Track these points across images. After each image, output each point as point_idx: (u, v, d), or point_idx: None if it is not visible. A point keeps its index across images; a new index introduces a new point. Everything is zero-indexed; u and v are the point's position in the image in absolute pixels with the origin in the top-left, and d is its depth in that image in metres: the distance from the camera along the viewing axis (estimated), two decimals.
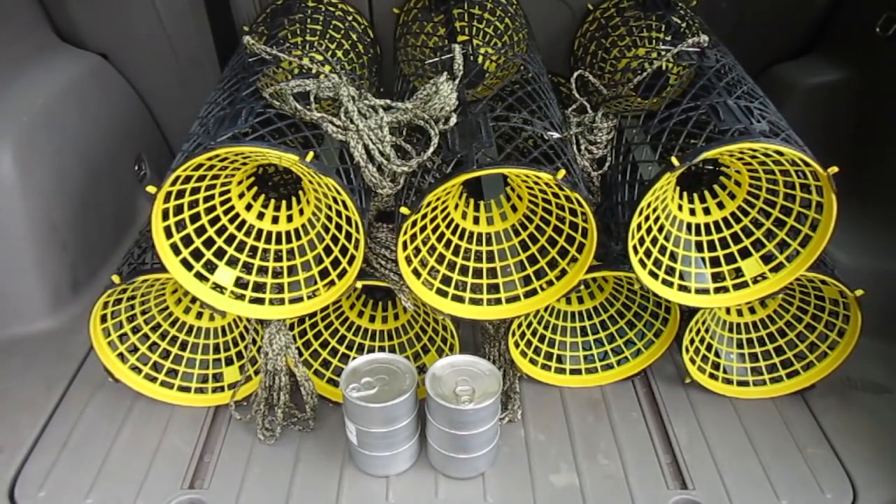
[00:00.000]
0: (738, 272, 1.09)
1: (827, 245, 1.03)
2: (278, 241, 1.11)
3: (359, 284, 1.06)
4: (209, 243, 1.06)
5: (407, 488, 1.05)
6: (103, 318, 1.12)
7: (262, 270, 1.09)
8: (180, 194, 0.99)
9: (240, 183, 1.09)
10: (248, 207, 1.11)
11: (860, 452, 1.09)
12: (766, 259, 1.09)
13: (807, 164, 0.96)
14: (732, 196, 1.12)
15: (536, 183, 1.01)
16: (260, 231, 1.10)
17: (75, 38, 1.57)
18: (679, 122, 1.01)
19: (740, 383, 1.20)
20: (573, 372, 1.23)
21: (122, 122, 1.58)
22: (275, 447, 1.11)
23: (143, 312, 1.18)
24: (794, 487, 1.04)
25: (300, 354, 1.16)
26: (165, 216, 0.98)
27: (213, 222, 1.07)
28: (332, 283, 1.06)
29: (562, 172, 0.93)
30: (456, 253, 1.12)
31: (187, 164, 0.92)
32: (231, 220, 1.09)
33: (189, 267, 1.03)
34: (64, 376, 1.23)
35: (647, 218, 1.04)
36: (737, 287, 1.09)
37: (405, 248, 1.02)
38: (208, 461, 1.10)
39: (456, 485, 1.05)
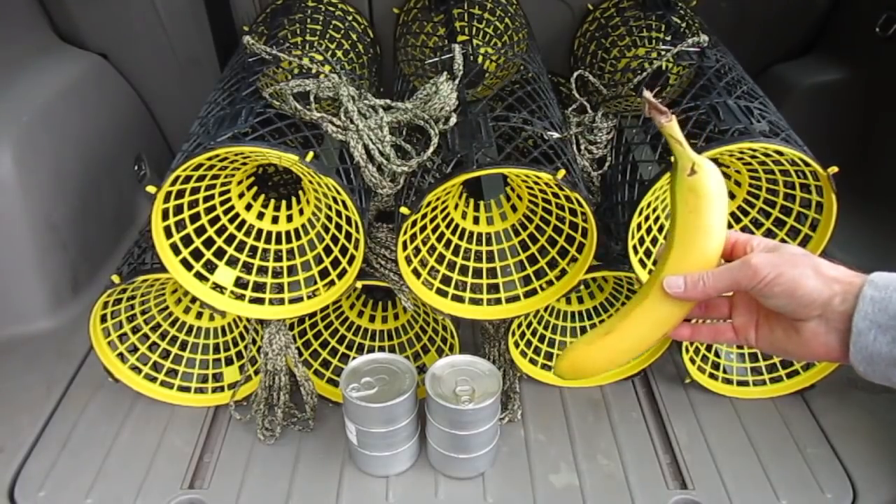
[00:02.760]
0: None
1: (827, 245, 1.03)
2: (278, 241, 1.11)
3: (359, 284, 1.06)
4: (209, 243, 1.06)
5: (407, 488, 1.05)
6: (103, 318, 1.12)
7: (262, 270, 1.09)
8: (180, 194, 0.99)
9: (240, 183, 1.09)
10: (248, 207, 1.11)
11: (860, 452, 1.09)
12: None
13: (807, 164, 0.96)
14: (732, 196, 1.11)
15: (536, 183, 1.01)
16: (260, 231, 1.10)
17: (75, 38, 1.57)
18: (679, 121, 1.01)
19: (740, 383, 1.20)
20: None
21: (122, 122, 1.58)
22: (275, 447, 1.11)
23: (143, 312, 1.18)
24: (794, 487, 1.04)
25: (300, 354, 1.16)
26: (165, 216, 0.98)
27: (212, 222, 1.07)
28: (332, 283, 1.06)
29: (562, 172, 0.93)
30: (456, 253, 1.12)
31: (187, 164, 0.92)
32: (231, 220, 1.09)
33: (189, 267, 1.03)
34: (64, 376, 1.23)
35: (647, 218, 1.04)
36: None
37: (405, 247, 1.02)
38: (208, 461, 1.10)
39: (456, 485, 1.05)
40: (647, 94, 0.62)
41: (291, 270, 1.10)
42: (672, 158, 0.65)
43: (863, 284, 0.55)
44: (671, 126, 0.63)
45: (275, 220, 1.12)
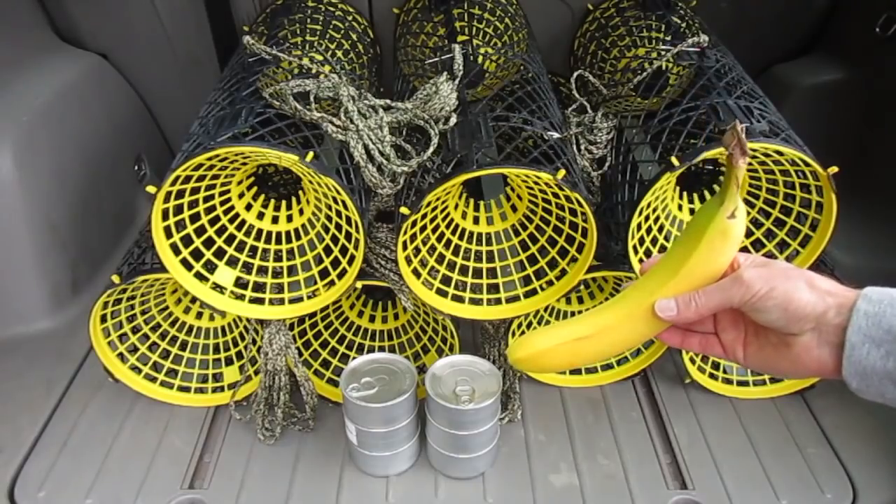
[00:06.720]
0: None
1: (827, 245, 1.03)
2: (278, 241, 1.11)
3: (359, 284, 1.06)
4: (209, 243, 1.06)
5: (407, 488, 1.05)
6: (103, 318, 1.12)
7: (262, 270, 1.09)
8: (180, 194, 0.99)
9: (240, 183, 1.09)
10: (248, 207, 1.11)
11: (860, 452, 1.09)
12: None
13: (807, 164, 0.96)
14: None
15: (536, 183, 1.01)
16: (260, 231, 1.10)
17: (75, 38, 1.57)
18: (679, 122, 1.01)
19: (740, 383, 1.20)
20: (573, 372, 1.23)
21: (122, 122, 1.58)
22: (275, 447, 1.11)
23: (143, 312, 1.18)
24: (794, 487, 1.04)
25: (300, 354, 1.16)
26: (165, 216, 0.98)
27: (212, 222, 1.07)
28: (332, 283, 1.06)
29: (562, 172, 0.93)
30: (456, 253, 1.12)
31: (187, 164, 0.92)
32: (231, 220, 1.09)
33: (189, 267, 1.03)
34: (64, 376, 1.23)
35: (647, 218, 1.04)
36: None
37: (405, 248, 1.02)
38: (208, 461, 1.10)
39: (456, 485, 1.05)
40: (739, 126, 0.60)
41: (291, 270, 1.10)
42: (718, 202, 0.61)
43: (856, 298, 0.54)
44: (742, 169, 0.61)
45: (275, 220, 1.12)
